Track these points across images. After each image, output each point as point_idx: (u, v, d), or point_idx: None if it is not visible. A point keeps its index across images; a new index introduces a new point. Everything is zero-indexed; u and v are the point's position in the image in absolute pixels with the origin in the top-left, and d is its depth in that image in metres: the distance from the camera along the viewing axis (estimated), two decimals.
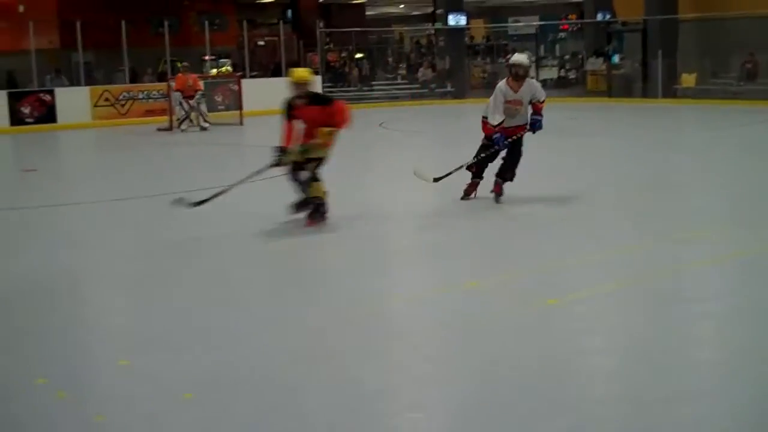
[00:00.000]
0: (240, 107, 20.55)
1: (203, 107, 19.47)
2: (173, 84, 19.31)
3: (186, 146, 16.96)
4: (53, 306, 5.87)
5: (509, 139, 8.74)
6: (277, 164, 7.88)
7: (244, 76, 22.47)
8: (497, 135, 8.65)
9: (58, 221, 9.20)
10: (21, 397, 4.24)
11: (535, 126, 8.72)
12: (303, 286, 6.25)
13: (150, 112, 21.78)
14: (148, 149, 16.73)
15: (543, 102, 8.80)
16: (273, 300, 5.94)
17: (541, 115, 8.76)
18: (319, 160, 7.97)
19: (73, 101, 21.17)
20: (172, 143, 17.44)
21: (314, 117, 7.82)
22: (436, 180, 9.00)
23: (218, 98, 21.18)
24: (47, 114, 20.81)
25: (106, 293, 6.45)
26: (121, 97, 21.93)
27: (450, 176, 8.97)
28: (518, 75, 8.65)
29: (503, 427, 3.78)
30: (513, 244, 7.51)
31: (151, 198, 10.15)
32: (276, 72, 25.04)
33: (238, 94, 20.84)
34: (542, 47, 34.00)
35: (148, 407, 4.10)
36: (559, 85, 30.46)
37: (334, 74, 28.96)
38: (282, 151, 7.81)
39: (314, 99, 8.00)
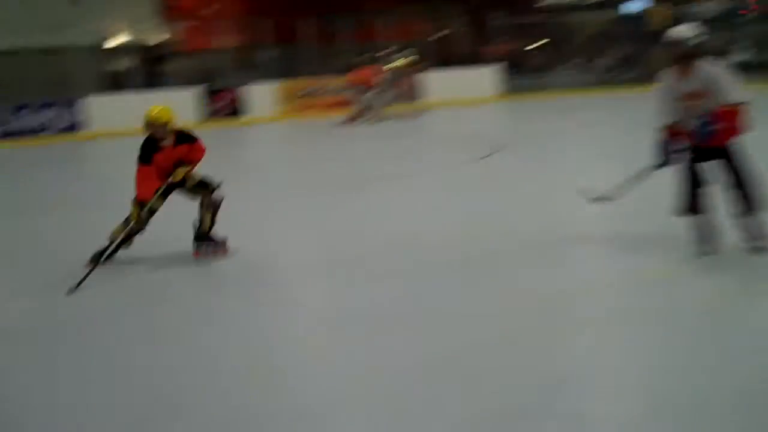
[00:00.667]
0: (420, 99, 20.73)
1: (383, 100, 19.78)
2: (356, 77, 19.75)
3: (367, 139, 17.26)
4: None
5: (696, 149, 6.00)
6: (145, 222, 6.94)
7: (424, 69, 22.66)
8: (668, 142, 6.13)
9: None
10: None
11: (702, 133, 5.89)
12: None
13: (334, 106, 22.34)
14: (327, 142, 17.15)
15: (734, 106, 5.81)
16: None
17: (719, 121, 5.81)
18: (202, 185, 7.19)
19: (260, 96, 22.07)
20: (349, 137, 17.81)
21: (180, 156, 7.10)
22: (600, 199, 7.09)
23: (398, 90, 21.43)
24: (237, 109, 21.81)
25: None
26: (305, 92, 22.66)
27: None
28: (683, 56, 5.96)
29: None
30: None
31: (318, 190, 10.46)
32: (456, 64, 25.07)
33: (418, 86, 21.02)
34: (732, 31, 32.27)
35: None
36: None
37: (512, 64, 28.68)
38: (144, 206, 6.88)
39: (180, 137, 7.15)
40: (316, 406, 4.15)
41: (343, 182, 11.20)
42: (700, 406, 3.84)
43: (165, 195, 7.07)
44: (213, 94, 21.86)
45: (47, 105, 20.24)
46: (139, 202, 6.86)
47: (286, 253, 7.45)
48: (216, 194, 7.19)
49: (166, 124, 6.99)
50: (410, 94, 21.26)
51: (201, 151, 7.19)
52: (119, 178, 7.98)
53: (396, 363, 4.56)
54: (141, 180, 6.88)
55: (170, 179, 7.02)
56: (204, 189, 7.18)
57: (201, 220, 7.19)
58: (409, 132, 18.09)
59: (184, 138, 7.16)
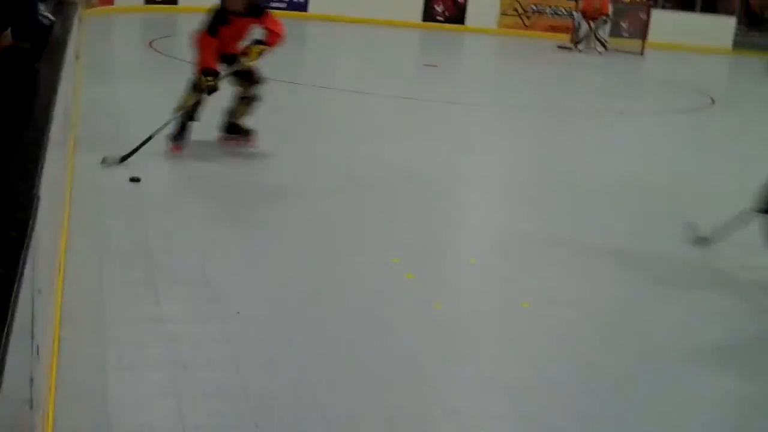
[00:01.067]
0: (644, 37, 19.92)
1: (602, 32, 19.17)
2: (581, 3, 19.20)
3: (581, 68, 16.84)
4: (422, 195, 6.28)
5: None
6: (211, 90, 6.52)
7: (654, 6, 21.63)
8: None
9: (443, 116, 9.66)
10: (376, 271, 4.62)
11: None
12: None
13: (554, 28, 21.81)
14: (543, 65, 16.85)
15: None
16: None
17: None
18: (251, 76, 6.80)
19: (483, 6, 21.78)
20: (567, 62, 17.41)
21: (246, 30, 6.73)
22: None
23: (624, 24, 20.67)
24: (458, 15, 21.66)
25: (476, 194, 6.73)
26: (529, 10, 22.19)
27: None
28: None
29: None
30: None
31: (537, 113, 10.35)
32: (688, 6, 23.78)
33: (645, 23, 20.18)
34: None
35: (483, 307, 4.29)
36: None
37: (753, 20, 26.86)
38: (212, 74, 6.51)
39: (251, 10, 6.63)
40: None
41: (551, 109, 11.04)
42: None
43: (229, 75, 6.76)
44: None
45: None
46: (203, 71, 6.51)
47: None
48: (257, 90, 6.89)
49: None
50: (638, 30, 20.44)
51: (279, 35, 6.68)
52: None
53: None
54: (205, 49, 6.56)
55: (242, 59, 6.66)
56: (247, 81, 6.84)
57: (235, 110, 6.97)
58: (629, 69, 17.50)
59: (255, 11, 6.66)
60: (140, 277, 4.18)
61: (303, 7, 20.33)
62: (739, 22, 22.86)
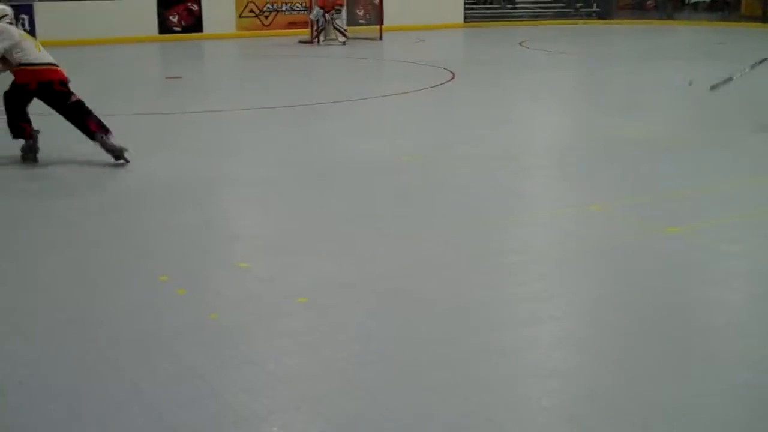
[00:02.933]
0: (381, 22, 20.49)
1: (339, 21, 19.56)
2: None
3: (324, 59, 17.06)
4: (179, 207, 6.08)
5: None
6: None
7: None
8: None
9: (195, 127, 9.45)
10: (143, 290, 4.42)
11: None
12: (410, 201, 6.23)
13: (293, 24, 21.98)
14: (287, 61, 16.92)
15: None
16: (396, 212, 5.94)
17: None
18: None
19: (219, 11, 21.56)
20: (311, 56, 17.58)
21: None
22: (713, 88, 8.98)
23: (360, 12, 21.18)
24: (194, 23, 21.31)
25: (233, 199, 6.62)
26: (265, 9, 22.21)
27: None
28: None
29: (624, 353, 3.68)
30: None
31: (288, 107, 10.34)
32: None
33: (379, 9, 20.77)
34: None
35: (261, 309, 4.20)
36: (713, 9, 28.99)
37: None
38: None
39: None
40: None
41: (299, 104, 11.06)
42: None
43: None
44: (168, 6, 21.21)
45: None
46: None
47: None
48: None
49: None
50: (374, 16, 21.00)
51: None
52: None
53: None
54: None
55: None
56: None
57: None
58: (371, 54, 17.90)
59: None
60: None
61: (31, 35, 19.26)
62: None
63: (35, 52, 7.10)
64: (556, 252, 5.07)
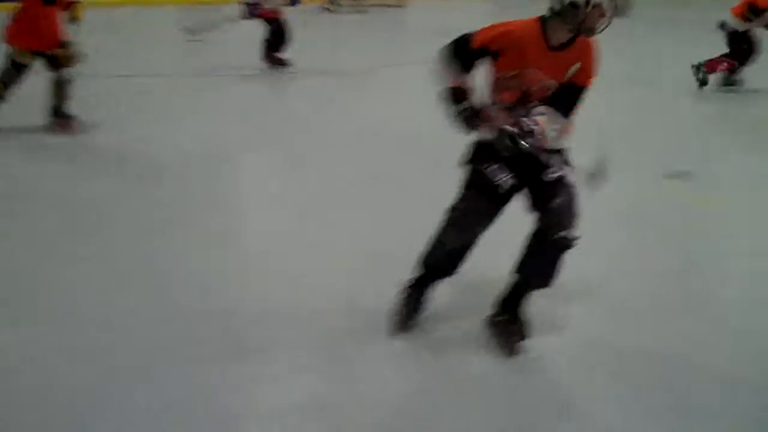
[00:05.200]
0: None
1: None
2: None
3: (345, 27, 16.84)
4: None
5: None
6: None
7: None
8: None
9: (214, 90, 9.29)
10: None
11: None
12: None
13: None
14: (304, 27, 16.72)
15: None
16: None
17: None
18: None
19: None
20: (330, 22, 17.38)
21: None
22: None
23: None
24: None
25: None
26: None
27: None
28: None
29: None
30: None
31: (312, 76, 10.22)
32: None
33: None
34: None
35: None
36: None
37: None
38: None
39: None
40: None
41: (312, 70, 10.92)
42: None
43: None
44: None
45: None
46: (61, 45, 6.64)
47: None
48: (67, 73, 6.80)
49: None
50: None
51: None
52: None
53: None
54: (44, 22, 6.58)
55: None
56: (56, 65, 6.77)
57: (51, 95, 6.86)
58: (394, 23, 17.68)
59: None
60: None
61: None
62: None
63: None
64: None
